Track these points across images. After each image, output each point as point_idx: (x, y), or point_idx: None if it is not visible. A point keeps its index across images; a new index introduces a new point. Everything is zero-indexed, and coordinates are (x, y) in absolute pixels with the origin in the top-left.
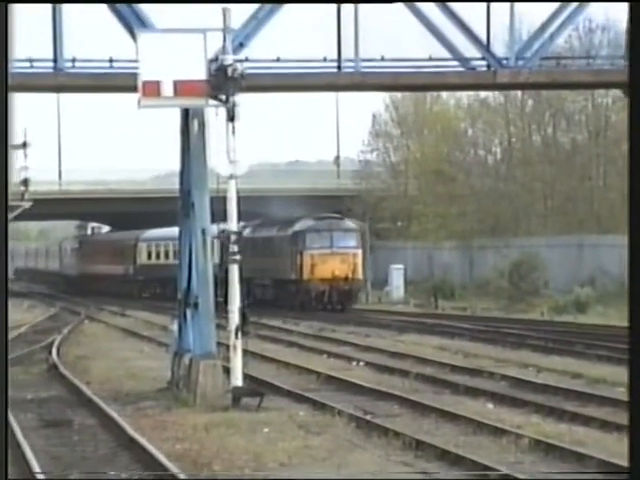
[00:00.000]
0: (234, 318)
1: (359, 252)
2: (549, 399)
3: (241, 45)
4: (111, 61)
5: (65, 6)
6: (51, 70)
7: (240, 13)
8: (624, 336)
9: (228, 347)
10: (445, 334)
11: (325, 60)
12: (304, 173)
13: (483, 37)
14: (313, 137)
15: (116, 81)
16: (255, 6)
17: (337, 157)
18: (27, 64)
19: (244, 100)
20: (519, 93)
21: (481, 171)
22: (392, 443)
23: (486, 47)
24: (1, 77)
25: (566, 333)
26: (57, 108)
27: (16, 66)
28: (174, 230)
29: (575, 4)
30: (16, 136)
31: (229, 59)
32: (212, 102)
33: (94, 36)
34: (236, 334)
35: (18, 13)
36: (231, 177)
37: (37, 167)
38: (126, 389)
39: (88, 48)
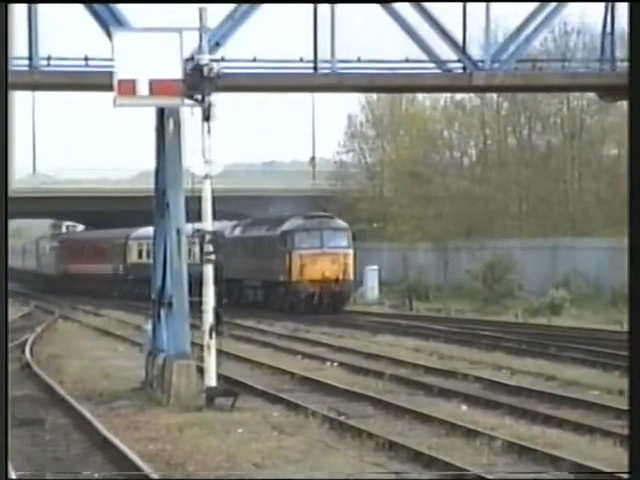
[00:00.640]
0: (208, 318)
1: (350, 252)
2: (523, 401)
3: (217, 45)
4: (86, 59)
5: (40, 4)
6: (26, 68)
7: (216, 13)
8: (598, 339)
9: (202, 347)
10: (419, 335)
11: (301, 61)
12: (279, 173)
13: (459, 39)
14: (289, 138)
15: (91, 79)
16: (231, 5)
17: (312, 158)
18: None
19: (220, 100)
20: (495, 95)
21: (457, 173)
22: (365, 444)
23: (462, 49)
24: (1, 77)
25: (540, 335)
26: (32, 106)
27: None
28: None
29: (551, 6)
30: None
31: (205, 58)
32: (188, 101)
33: (69, 34)
34: (210, 334)
35: None
36: (206, 177)
37: (12, 165)
38: (100, 388)
39: (63, 46)
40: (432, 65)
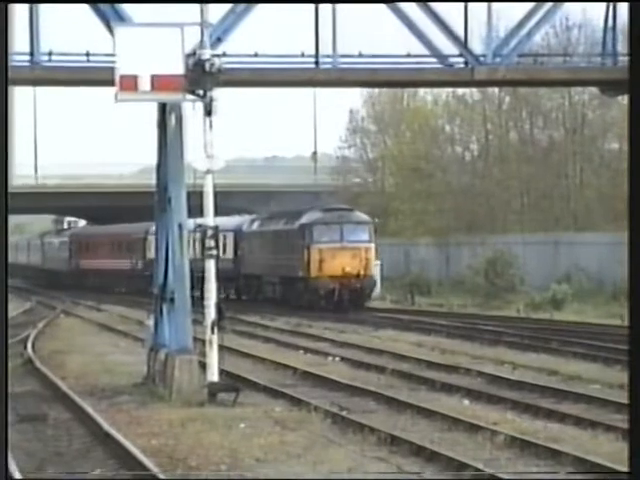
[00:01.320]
0: (210, 313)
1: (372, 247)
2: (525, 396)
3: (219, 40)
4: (88, 55)
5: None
6: (27, 63)
7: (218, 8)
8: (599, 333)
9: (204, 342)
10: (421, 330)
11: (303, 56)
12: (281, 169)
13: (461, 34)
14: (290, 133)
15: (93, 75)
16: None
17: (314, 153)
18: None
19: (221, 95)
20: (496, 90)
21: (458, 168)
22: (367, 439)
23: (464, 44)
24: (1, 76)
25: (542, 330)
26: (33, 102)
27: None
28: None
29: (552, 1)
30: None
31: (207, 54)
32: (189, 97)
33: (71, 30)
34: (212, 329)
35: None
36: (208, 172)
37: (13, 161)
38: (102, 384)
39: (65, 42)
40: (434, 60)
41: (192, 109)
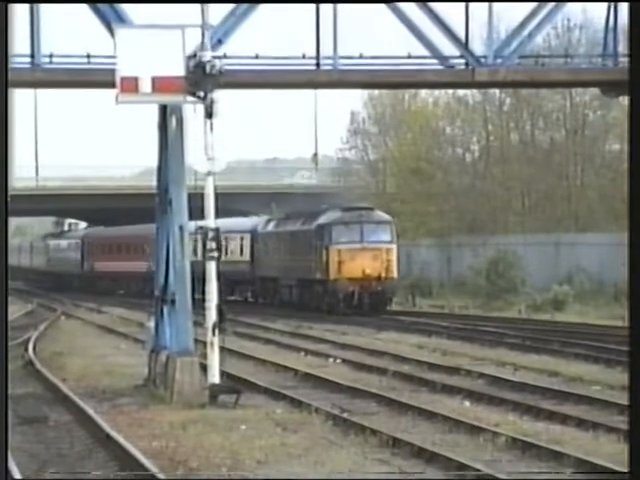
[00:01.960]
0: (211, 315)
1: (393, 247)
2: (526, 397)
3: (219, 42)
4: (89, 57)
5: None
6: (28, 65)
7: (219, 9)
8: (601, 334)
9: (205, 344)
10: (423, 332)
11: (304, 57)
12: (282, 170)
13: (462, 35)
14: (291, 134)
15: (94, 77)
16: (234, 2)
17: (315, 154)
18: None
19: (222, 97)
20: (497, 91)
21: (459, 169)
22: (369, 441)
23: (464, 45)
24: (1, 76)
25: (543, 331)
26: (34, 104)
27: None
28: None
29: (554, 2)
30: None
31: (207, 55)
32: (190, 99)
33: (72, 32)
34: (213, 331)
35: None
36: (209, 174)
37: (13, 162)
38: (102, 386)
39: (66, 44)
40: (434, 61)
41: (193, 111)
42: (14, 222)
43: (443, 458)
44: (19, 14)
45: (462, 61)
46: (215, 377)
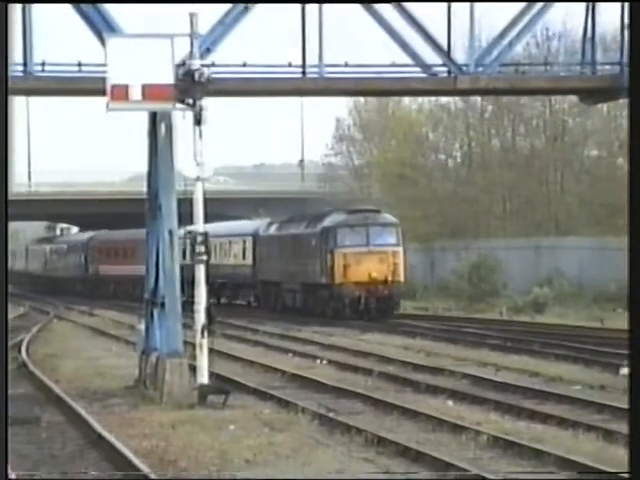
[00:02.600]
0: (200, 317)
1: (400, 250)
2: (508, 397)
3: (208, 50)
4: (80, 65)
5: (35, 10)
6: (21, 74)
7: (207, 19)
8: (580, 335)
9: (194, 346)
10: (407, 333)
11: (290, 65)
12: (269, 176)
13: (444, 44)
14: (278, 141)
15: (85, 85)
16: (222, 12)
17: (302, 160)
18: None
19: (211, 104)
20: (479, 99)
21: (442, 175)
22: (355, 440)
23: (447, 54)
24: (1, 75)
25: (524, 333)
26: (27, 111)
27: None
28: (217, 226)
29: (534, 11)
30: None
31: (196, 64)
32: (179, 106)
33: (63, 40)
34: (202, 333)
35: None
36: (198, 179)
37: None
38: (94, 387)
39: (57, 52)
40: (418, 69)
41: (182, 118)
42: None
43: (428, 457)
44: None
45: (445, 69)
46: (204, 378)
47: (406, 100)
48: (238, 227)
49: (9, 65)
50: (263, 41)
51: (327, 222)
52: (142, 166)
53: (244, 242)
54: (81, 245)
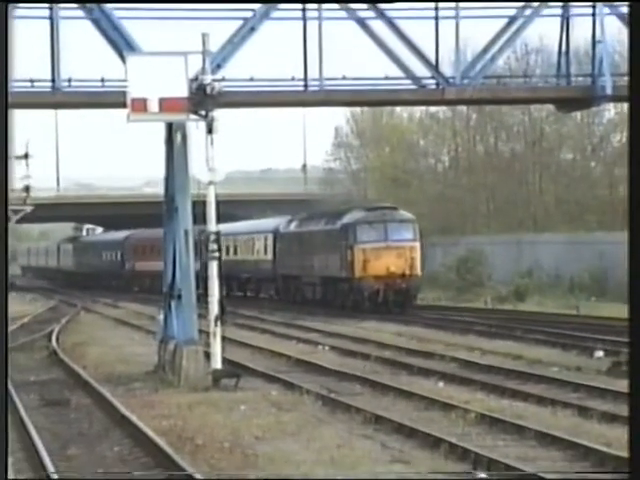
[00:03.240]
0: (213, 308)
1: (417, 245)
2: (493, 378)
3: (218, 66)
4: (103, 81)
5: (62, 31)
6: (49, 89)
7: (218, 38)
8: (558, 322)
9: (208, 334)
10: (401, 321)
11: (293, 79)
12: (275, 180)
13: (432, 59)
14: (283, 148)
15: (107, 99)
16: (231, 32)
17: (304, 165)
18: (28, 84)
19: (221, 115)
20: (465, 108)
21: (432, 178)
22: (354, 418)
23: (435, 67)
24: (1, 75)
25: (507, 320)
26: (55, 123)
27: (18, 86)
28: (237, 225)
29: (514, 28)
30: (18, 148)
31: (208, 79)
32: (193, 117)
33: (88, 59)
34: (215, 322)
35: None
36: (210, 183)
37: (37, 176)
38: (118, 372)
39: (82, 69)
40: (409, 82)
41: (196, 128)
42: (38, 228)
43: (421, 433)
44: (40, 43)
45: (433, 82)
46: (217, 363)
47: (398, 110)
48: (261, 225)
49: (9, 65)
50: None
51: (347, 219)
52: (157, 171)
53: (265, 239)
54: (117, 243)
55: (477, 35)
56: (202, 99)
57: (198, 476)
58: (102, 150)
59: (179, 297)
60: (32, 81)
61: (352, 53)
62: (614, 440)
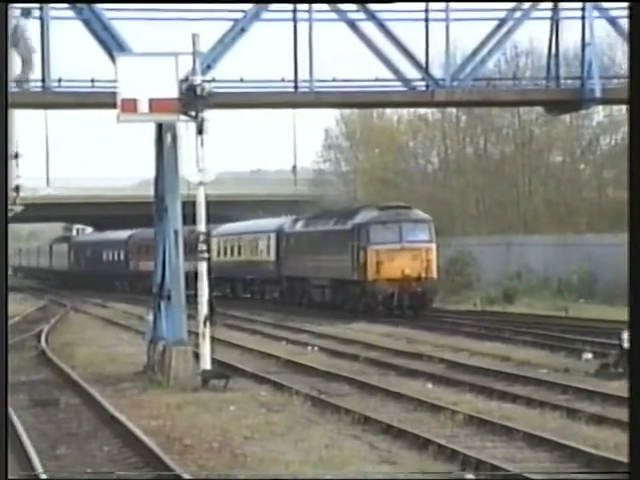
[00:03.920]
0: (203, 309)
1: (433, 247)
2: (481, 379)
3: (209, 67)
4: (93, 81)
5: (52, 32)
6: (40, 89)
7: (207, 38)
8: (546, 324)
9: (197, 335)
10: (389, 322)
11: (283, 80)
12: (265, 181)
13: (422, 61)
14: (273, 149)
15: (97, 99)
16: (222, 31)
17: (294, 166)
18: (13, 84)
19: (211, 116)
20: (454, 110)
21: (421, 179)
22: (343, 419)
23: (425, 69)
24: (1, 75)
25: (496, 321)
26: (45, 123)
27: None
28: (241, 225)
29: (503, 30)
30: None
31: (198, 79)
32: (183, 117)
33: (78, 59)
34: (205, 323)
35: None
36: (200, 184)
37: (28, 175)
38: (107, 372)
39: (72, 69)
40: (399, 83)
41: (186, 128)
42: (27, 228)
43: (409, 434)
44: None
45: (423, 83)
46: (207, 364)
47: (388, 111)
48: (264, 225)
49: (9, 65)
50: (259, 59)
51: (358, 219)
52: (149, 172)
53: (268, 239)
54: (120, 243)
55: (467, 37)
56: (192, 100)
57: (186, 476)
58: (92, 151)
59: (168, 297)
60: (19, 81)
61: (342, 55)
62: (601, 442)
